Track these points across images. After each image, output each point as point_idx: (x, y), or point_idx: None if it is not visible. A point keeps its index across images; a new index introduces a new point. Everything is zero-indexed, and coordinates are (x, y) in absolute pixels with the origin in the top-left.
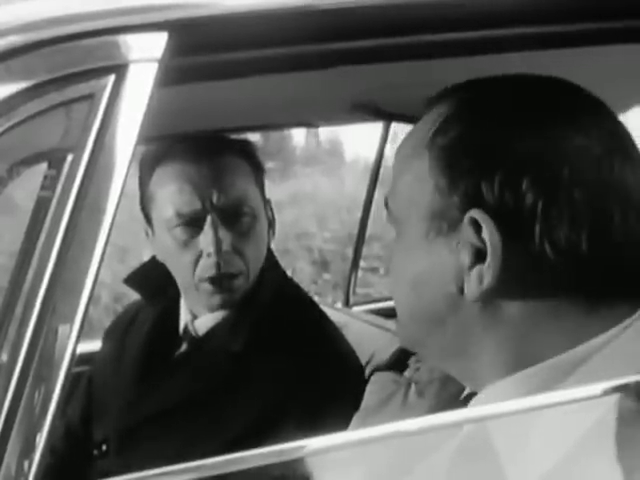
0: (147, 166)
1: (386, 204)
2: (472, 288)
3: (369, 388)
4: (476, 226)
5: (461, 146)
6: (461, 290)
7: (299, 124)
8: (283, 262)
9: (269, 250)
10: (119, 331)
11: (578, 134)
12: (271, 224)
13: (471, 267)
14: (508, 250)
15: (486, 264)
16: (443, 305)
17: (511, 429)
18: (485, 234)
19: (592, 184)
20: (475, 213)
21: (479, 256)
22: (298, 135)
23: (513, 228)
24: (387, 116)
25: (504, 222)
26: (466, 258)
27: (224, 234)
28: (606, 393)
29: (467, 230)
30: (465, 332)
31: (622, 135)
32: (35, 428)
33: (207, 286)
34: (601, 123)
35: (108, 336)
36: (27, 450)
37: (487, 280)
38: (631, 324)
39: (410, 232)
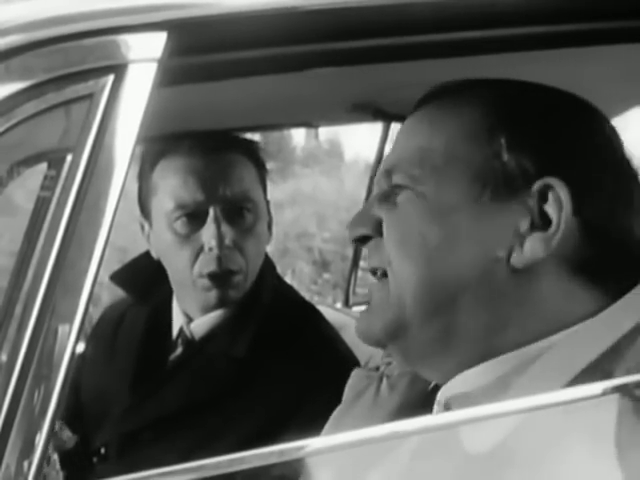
0: (150, 158)
1: (388, 171)
2: (525, 254)
3: (348, 383)
4: (544, 193)
5: (539, 113)
6: (508, 256)
7: (299, 124)
8: (283, 262)
9: (265, 252)
10: (108, 333)
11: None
12: (269, 226)
13: (528, 234)
14: (572, 223)
15: (549, 232)
16: (480, 271)
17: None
18: (556, 203)
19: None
20: (552, 181)
21: (538, 224)
22: (298, 135)
23: (584, 201)
24: (387, 116)
25: (577, 193)
26: (525, 224)
27: (226, 229)
28: (606, 393)
29: (535, 196)
30: (491, 303)
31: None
32: (35, 428)
33: (205, 282)
34: None
35: (95, 338)
36: (27, 450)
37: (544, 248)
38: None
39: (447, 195)
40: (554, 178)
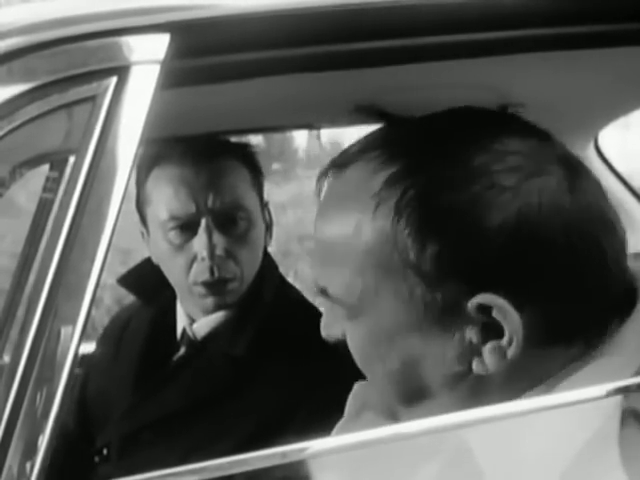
0: (144, 167)
1: (323, 290)
2: (489, 365)
3: (349, 397)
4: (485, 308)
5: (444, 229)
6: (469, 367)
7: (301, 126)
8: (285, 264)
9: (267, 253)
10: (114, 335)
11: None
12: (268, 228)
13: (483, 344)
14: (523, 323)
15: (505, 340)
16: (446, 385)
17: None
18: (500, 316)
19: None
20: (485, 299)
21: (490, 333)
22: (300, 137)
23: (525, 299)
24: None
25: (515, 298)
26: (475, 338)
27: (218, 238)
28: (609, 394)
29: (474, 314)
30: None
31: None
32: (37, 430)
33: (201, 289)
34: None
35: (103, 340)
36: (29, 452)
37: (504, 356)
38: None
39: (389, 325)
40: (488, 294)
